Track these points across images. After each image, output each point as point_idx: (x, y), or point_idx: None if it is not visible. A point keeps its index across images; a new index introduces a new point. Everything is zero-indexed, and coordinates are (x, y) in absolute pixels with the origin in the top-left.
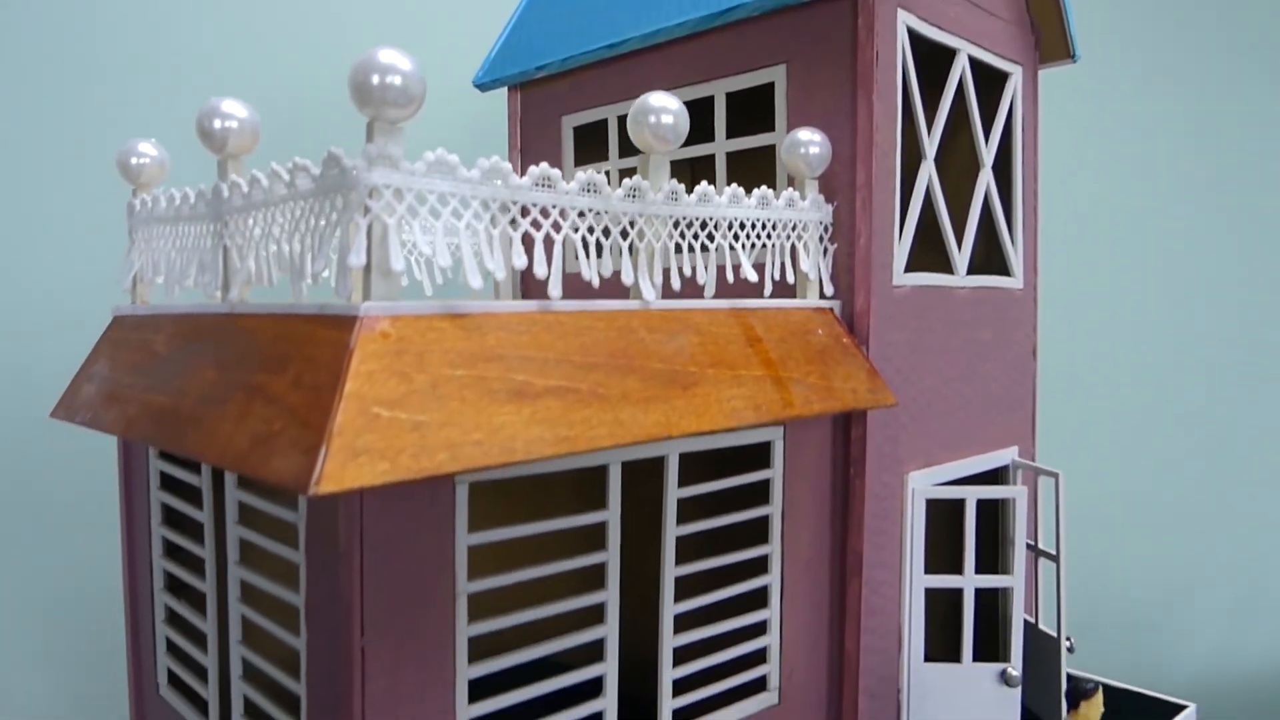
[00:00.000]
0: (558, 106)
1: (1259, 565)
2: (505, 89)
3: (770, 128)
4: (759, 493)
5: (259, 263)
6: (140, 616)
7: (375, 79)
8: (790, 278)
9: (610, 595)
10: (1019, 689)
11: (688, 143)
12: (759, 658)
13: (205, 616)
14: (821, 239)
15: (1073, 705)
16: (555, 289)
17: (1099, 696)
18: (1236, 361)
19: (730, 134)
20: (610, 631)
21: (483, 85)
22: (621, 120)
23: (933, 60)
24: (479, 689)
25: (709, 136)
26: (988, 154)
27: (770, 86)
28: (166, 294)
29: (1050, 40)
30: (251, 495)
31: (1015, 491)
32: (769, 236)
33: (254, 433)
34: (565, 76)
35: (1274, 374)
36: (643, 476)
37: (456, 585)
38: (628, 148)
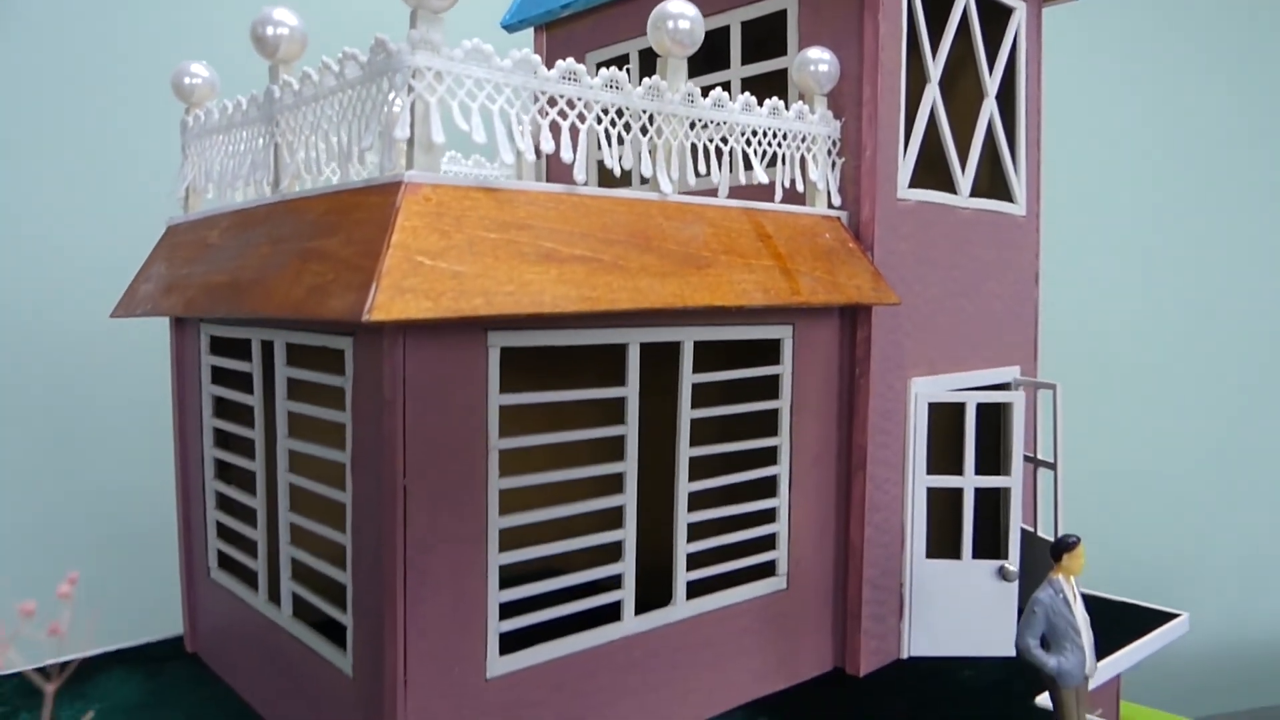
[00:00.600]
0: (582, 44)
1: (1269, 530)
2: (531, 30)
3: (783, 55)
4: (769, 387)
5: (309, 154)
6: (192, 508)
7: None
8: (800, 187)
9: (629, 467)
10: (1016, 584)
11: (704, 72)
12: (768, 543)
13: (255, 494)
14: (830, 152)
15: (1056, 558)
16: (580, 174)
17: (1080, 548)
18: (1253, 317)
19: (745, 62)
20: (629, 500)
21: (510, 27)
22: (643, 54)
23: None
24: (509, 541)
25: (725, 66)
26: (991, 84)
27: (783, 13)
28: (219, 198)
29: None
30: (300, 369)
31: (1013, 396)
32: (780, 145)
33: (309, 285)
34: (588, 15)
35: None
36: (658, 386)
37: (489, 440)
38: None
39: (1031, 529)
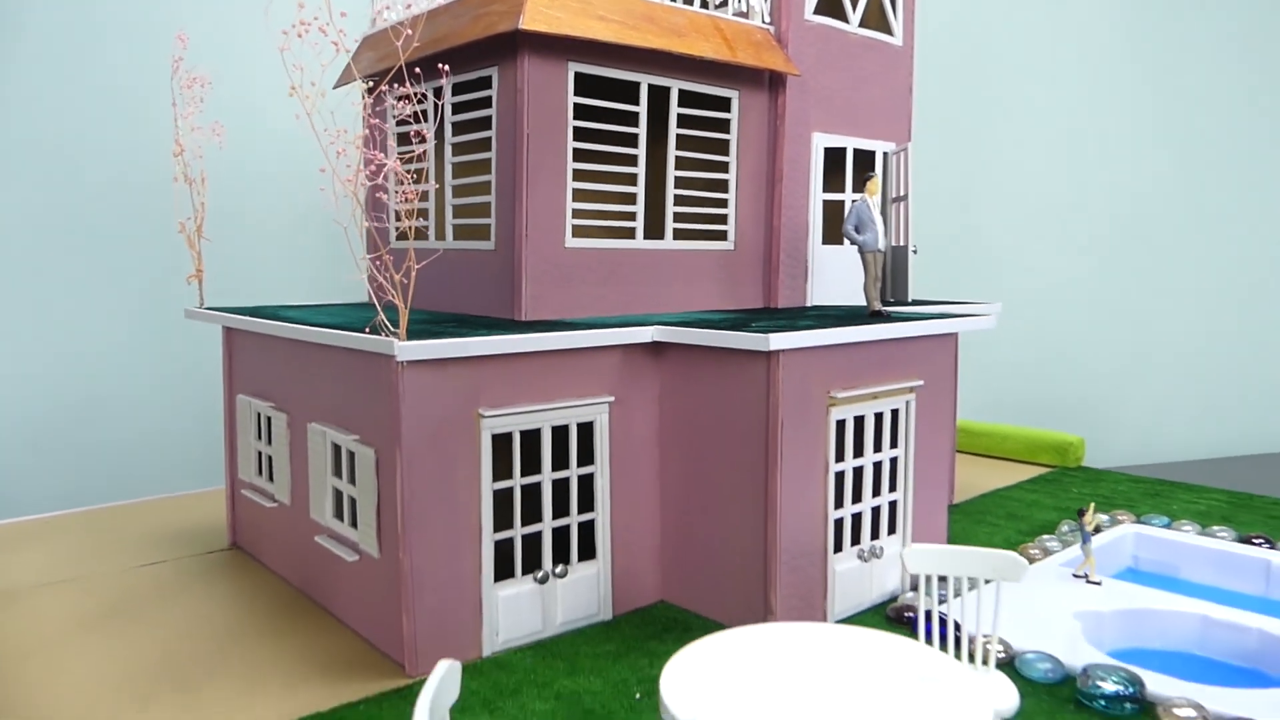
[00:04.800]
0: None
1: (1180, 364)
2: None
3: None
4: (724, 126)
5: None
6: (369, 209)
7: None
8: (745, 9)
9: (640, 153)
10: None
11: None
12: (723, 219)
13: (428, 192)
14: None
15: (862, 187)
16: None
17: (875, 180)
18: (1164, 161)
19: None
20: (640, 173)
21: None
22: None
23: None
24: (576, 178)
25: None
26: None
27: None
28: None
29: None
30: (461, 95)
31: (884, 145)
32: None
33: (483, 25)
34: None
35: (1215, 174)
36: (659, 134)
37: (568, 121)
38: None
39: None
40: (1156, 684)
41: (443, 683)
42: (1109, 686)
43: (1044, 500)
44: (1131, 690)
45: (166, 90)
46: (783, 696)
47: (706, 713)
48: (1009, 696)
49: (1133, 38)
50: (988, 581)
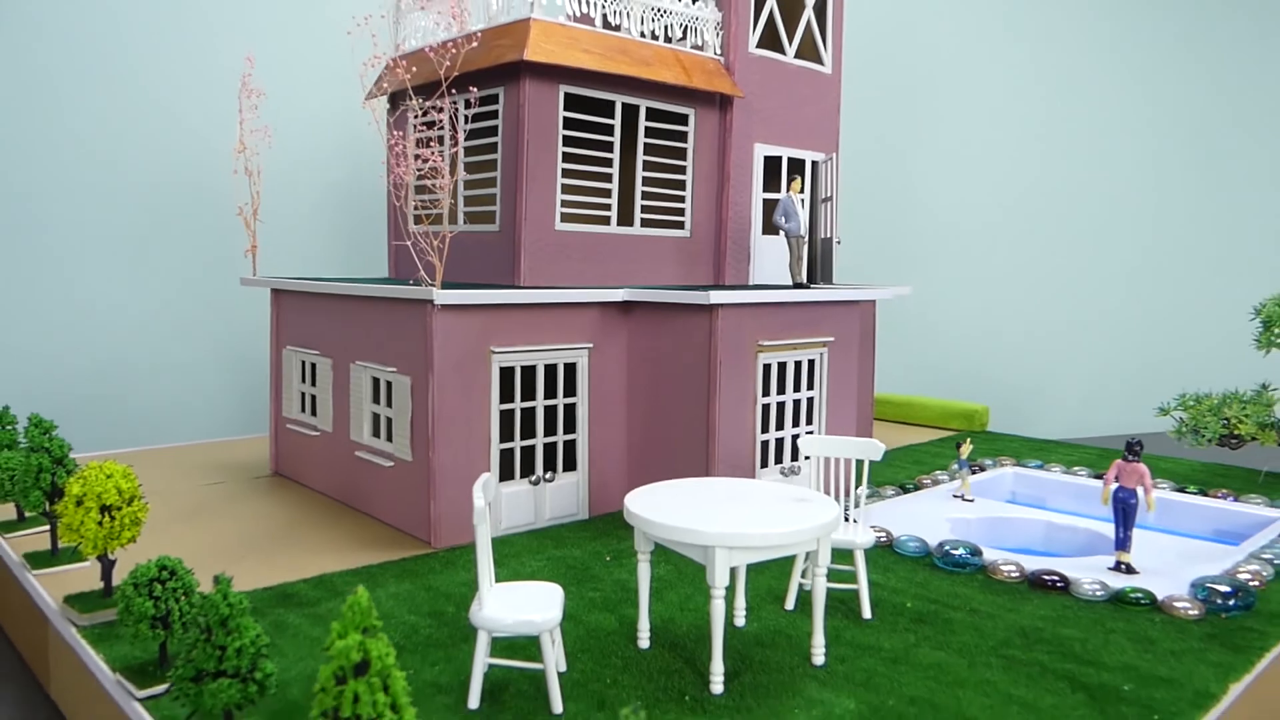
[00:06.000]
0: None
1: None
2: None
3: None
4: (682, 137)
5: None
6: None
7: None
8: (700, 43)
9: (615, 156)
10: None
11: None
12: (681, 212)
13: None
14: (715, 26)
15: (788, 187)
16: (597, 22)
17: (799, 181)
18: (1082, 173)
19: None
20: (614, 172)
21: None
22: None
23: None
24: (565, 187)
25: None
26: None
27: None
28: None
29: None
30: (477, 109)
31: (816, 155)
32: (693, 21)
33: (495, 56)
34: None
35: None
36: (630, 144)
37: (558, 132)
38: None
39: (828, 235)
40: (991, 554)
41: (486, 482)
42: (956, 552)
43: (946, 452)
44: (972, 555)
45: (228, 103)
46: (700, 500)
47: (650, 504)
48: (866, 535)
49: (1037, 53)
50: (859, 461)
